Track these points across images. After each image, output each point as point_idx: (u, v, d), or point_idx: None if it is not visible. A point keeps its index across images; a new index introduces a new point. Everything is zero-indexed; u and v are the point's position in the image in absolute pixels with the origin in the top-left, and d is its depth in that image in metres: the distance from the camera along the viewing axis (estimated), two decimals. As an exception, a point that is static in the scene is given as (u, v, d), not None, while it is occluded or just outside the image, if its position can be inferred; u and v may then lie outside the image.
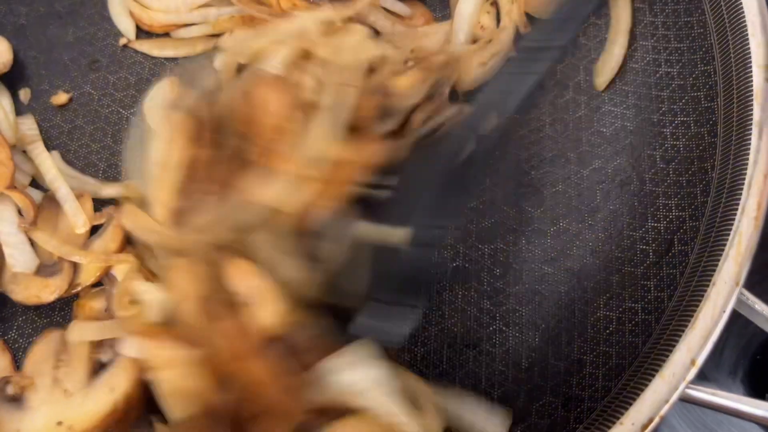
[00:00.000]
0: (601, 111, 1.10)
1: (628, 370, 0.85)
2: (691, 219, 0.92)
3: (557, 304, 0.99)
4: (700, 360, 0.77)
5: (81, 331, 0.86)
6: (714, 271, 0.81)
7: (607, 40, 1.13)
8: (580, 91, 1.12)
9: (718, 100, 0.96)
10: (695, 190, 0.94)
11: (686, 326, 0.79)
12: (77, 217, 0.97)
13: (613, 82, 1.10)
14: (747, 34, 0.94)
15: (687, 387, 0.76)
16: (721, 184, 0.90)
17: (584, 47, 1.15)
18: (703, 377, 0.79)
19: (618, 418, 0.77)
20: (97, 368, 0.86)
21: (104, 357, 0.86)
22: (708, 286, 0.81)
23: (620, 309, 0.92)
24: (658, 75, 1.05)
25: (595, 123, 1.10)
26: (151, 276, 0.91)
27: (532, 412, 0.90)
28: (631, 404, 0.77)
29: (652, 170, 1.00)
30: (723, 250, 0.82)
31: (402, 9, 1.13)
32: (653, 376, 0.78)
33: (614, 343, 0.90)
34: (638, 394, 0.77)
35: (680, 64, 1.03)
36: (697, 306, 0.80)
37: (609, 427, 0.77)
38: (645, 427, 0.75)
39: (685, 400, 0.77)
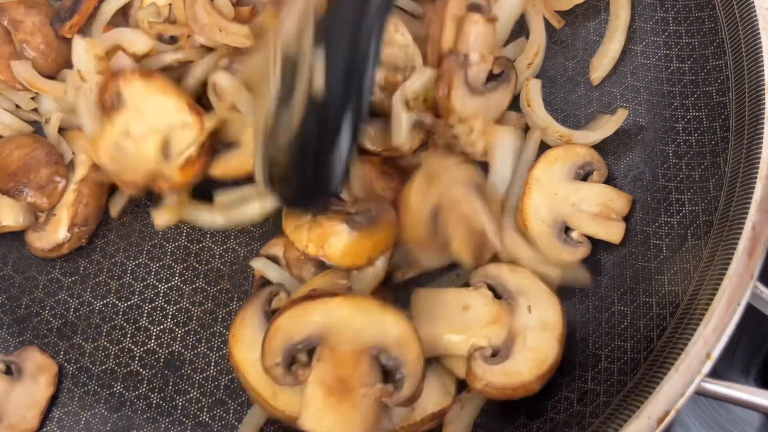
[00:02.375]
0: (612, 107, 1.11)
1: (644, 364, 0.85)
2: (704, 213, 0.93)
3: (572, 300, 1.00)
4: (716, 353, 0.78)
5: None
6: (728, 265, 0.82)
7: (605, 36, 1.15)
8: (591, 88, 1.14)
9: (730, 94, 0.97)
10: (708, 185, 0.95)
11: (701, 320, 0.80)
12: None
13: (624, 77, 1.12)
14: (758, 28, 0.95)
15: (702, 380, 0.77)
16: (733, 178, 0.91)
17: (594, 43, 1.16)
18: (716, 376, 0.80)
19: (634, 412, 0.78)
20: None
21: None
22: (723, 279, 0.81)
23: (634, 304, 0.93)
24: (669, 70, 1.06)
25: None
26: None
27: (548, 407, 0.91)
28: (647, 398, 0.78)
29: (665, 165, 1.01)
30: (737, 243, 0.83)
31: (415, 8, 1.15)
32: (669, 369, 0.79)
33: (629, 338, 0.90)
34: (654, 388, 0.78)
35: (692, 59, 1.04)
36: (712, 300, 0.81)
37: (625, 421, 0.78)
38: (661, 420, 0.76)
39: (700, 393, 0.78)
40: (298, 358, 0.85)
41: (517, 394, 0.88)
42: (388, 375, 0.84)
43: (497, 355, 0.90)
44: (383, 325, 0.84)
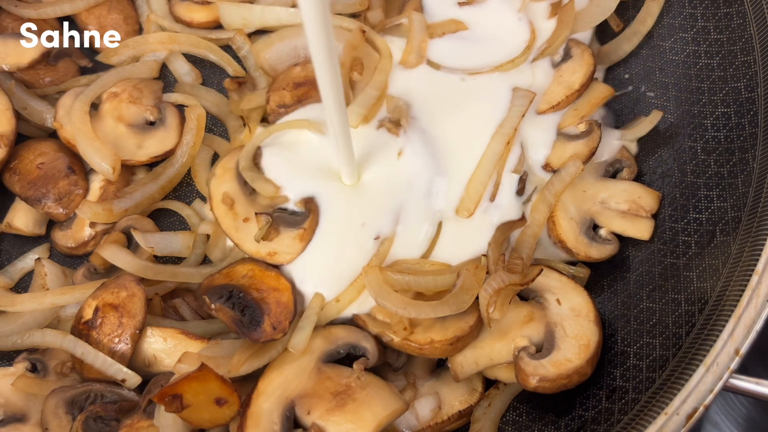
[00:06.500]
0: (641, 103, 1.14)
1: (672, 361, 0.87)
2: (732, 209, 0.95)
3: (600, 297, 1.03)
4: (744, 349, 0.80)
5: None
6: (757, 260, 0.84)
7: (621, 34, 1.19)
8: (620, 84, 1.17)
9: (759, 90, 0.99)
10: (736, 181, 0.96)
11: (729, 316, 0.82)
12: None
13: (653, 73, 1.14)
14: (787, 24, 0.97)
15: (731, 377, 0.80)
16: (762, 174, 0.93)
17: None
18: (746, 373, 0.81)
19: (663, 409, 0.80)
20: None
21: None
22: (751, 275, 0.83)
23: (663, 300, 0.95)
24: (698, 66, 1.08)
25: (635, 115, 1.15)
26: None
27: (576, 405, 0.94)
28: (675, 394, 0.80)
29: (693, 161, 1.03)
30: (765, 240, 0.85)
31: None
32: (697, 366, 0.81)
33: (658, 334, 0.93)
34: (683, 385, 0.81)
35: (720, 55, 1.06)
36: (741, 296, 0.83)
37: (654, 418, 0.80)
38: (690, 416, 0.78)
39: (729, 389, 0.80)
40: None
41: (572, 382, 0.91)
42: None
43: (541, 350, 0.94)
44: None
